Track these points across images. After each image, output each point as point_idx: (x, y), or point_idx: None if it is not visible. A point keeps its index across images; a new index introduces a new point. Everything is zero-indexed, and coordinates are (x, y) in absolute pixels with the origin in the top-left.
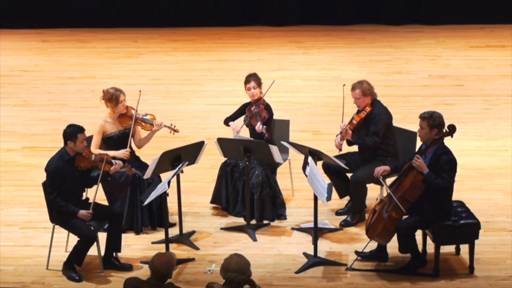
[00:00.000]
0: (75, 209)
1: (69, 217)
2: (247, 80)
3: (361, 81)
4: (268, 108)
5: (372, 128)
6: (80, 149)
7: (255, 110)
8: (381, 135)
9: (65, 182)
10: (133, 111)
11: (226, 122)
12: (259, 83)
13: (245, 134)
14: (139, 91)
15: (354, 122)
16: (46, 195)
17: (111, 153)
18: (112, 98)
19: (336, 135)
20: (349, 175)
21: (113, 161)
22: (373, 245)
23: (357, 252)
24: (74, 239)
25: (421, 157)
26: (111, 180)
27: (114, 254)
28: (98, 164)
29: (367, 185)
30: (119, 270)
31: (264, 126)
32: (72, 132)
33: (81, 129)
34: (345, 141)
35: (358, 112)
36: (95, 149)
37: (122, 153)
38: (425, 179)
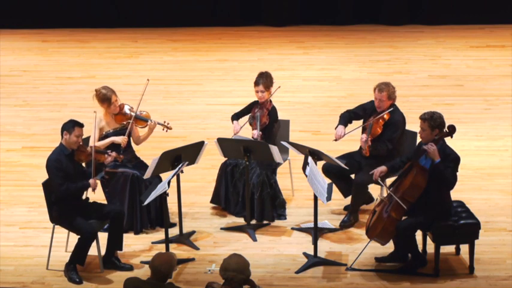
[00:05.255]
0: (85, 183)
1: (73, 211)
2: (256, 82)
3: (387, 83)
4: (272, 112)
5: (388, 134)
6: (73, 143)
7: (258, 114)
8: (395, 143)
9: (67, 178)
10: (127, 109)
11: (232, 119)
12: (267, 86)
13: (247, 133)
14: (147, 79)
15: (374, 133)
16: (54, 191)
17: (110, 138)
18: (105, 99)
19: (362, 135)
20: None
21: (108, 151)
22: (376, 245)
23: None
24: (74, 239)
25: (431, 147)
26: (111, 180)
27: (114, 253)
28: (96, 156)
29: (368, 185)
30: (119, 270)
31: (260, 133)
32: (70, 124)
33: (79, 124)
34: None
35: (377, 119)
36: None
37: (121, 138)
38: (437, 167)
